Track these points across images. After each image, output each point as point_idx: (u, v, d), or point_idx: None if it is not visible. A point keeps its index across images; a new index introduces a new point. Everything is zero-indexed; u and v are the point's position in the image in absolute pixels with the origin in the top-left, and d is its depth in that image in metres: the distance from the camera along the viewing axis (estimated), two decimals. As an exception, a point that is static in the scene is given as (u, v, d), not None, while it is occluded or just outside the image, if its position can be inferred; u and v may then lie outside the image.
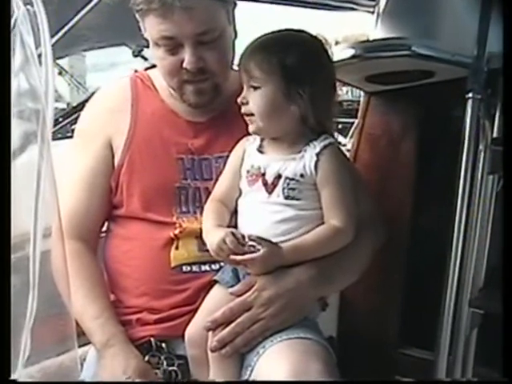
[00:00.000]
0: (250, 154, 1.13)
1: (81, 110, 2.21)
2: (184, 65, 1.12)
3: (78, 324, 1.03)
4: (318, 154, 1.07)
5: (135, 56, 2.89)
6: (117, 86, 1.29)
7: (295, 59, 1.06)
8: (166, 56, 1.14)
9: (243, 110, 1.09)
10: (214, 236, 1.06)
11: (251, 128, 1.10)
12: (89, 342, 1.14)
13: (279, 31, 1.12)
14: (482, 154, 1.17)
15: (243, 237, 1.04)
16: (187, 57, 1.11)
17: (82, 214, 1.20)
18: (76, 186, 1.21)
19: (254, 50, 1.09)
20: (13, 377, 0.65)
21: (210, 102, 1.19)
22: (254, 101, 1.08)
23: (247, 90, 1.09)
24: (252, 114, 1.09)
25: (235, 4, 1.18)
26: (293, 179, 1.07)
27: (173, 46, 1.12)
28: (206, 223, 1.11)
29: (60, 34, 2.28)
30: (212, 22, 1.11)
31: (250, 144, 1.14)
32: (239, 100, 1.09)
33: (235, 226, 1.12)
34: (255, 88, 1.07)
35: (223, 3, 1.13)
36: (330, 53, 1.15)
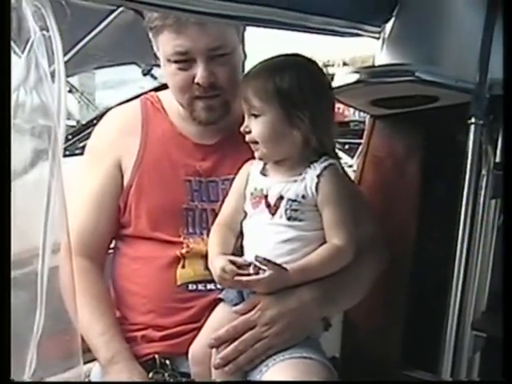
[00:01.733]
0: (253, 177, 1.15)
1: (90, 127, 2.26)
2: (196, 79, 1.15)
3: (83, 340, 1.04)
4: (318, 176, 1.09)
5: (144, 75, 2.93)
6: (127, 108, 1.32)
7: (291, 84, 1.08)
8: (177, 72, 1.17)
9: (247, 138, 1.12)
10: (216, 265, 1.08)
11: (256, 154, 1.13)
12: (94, 359, 1.16)
13: (273, 58, 1.14)
14: (485, 178, 1.19)
15: (247, 263, 1.07)
16: (200, 71, 1.14)
17: (90, 232, 1.22)
18: (85, 205, 1.23)
19: (250, 79, 1.12)
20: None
21: (219, 120, 1.21)
22: (256, 129, 1.10)
23: (248, 118, 1.11)
24: (256, 142, 1.11)
25: (245, 27, 1.21)
26: (295, 200, 1.09)
27: (185, 61, 1.15)
28: (211, 251, 1.13)
29: (71, 53, 2.32)
30: (224, 39, 1.15)
31: (253, 167, 1.16)
32: (242, 129, 1.11)
33: (241, 248, 1.14)
34: (256, 116, 1.10)
35: (233, 25, 1.16)
36: (325, 73, 1.17)
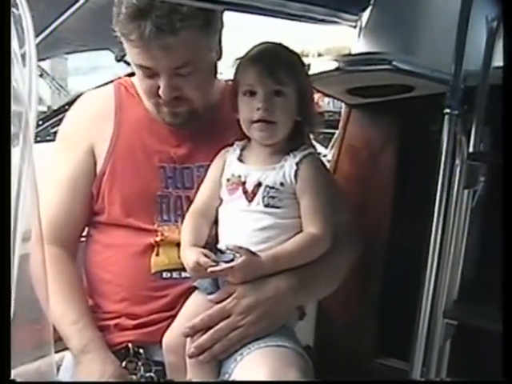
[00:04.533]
0: (230, 164, 1.14)
1: (62, 113, 2.20)
2: (159, 92, 1.13)
3: (54, 329, 1.02)
4: (297, 164, 1.09)
5: (118, 61, 2.88)
6: (100, 93, 1.29)
7: (306, 68, 1.14)
8: (143, 79, 1.15)
9: (263, 116, 1.07)
10: (188, 257, 1.07)
11: (260, 135, 1.09)
12: (66, 348, 1.14)
13: (271, 43, 1.14)
14: (458, 168, 1.20)
15: (220, 250, 1.07)
16: (162, 87, 1.12)
17: (62, 219, 1.20)
18: (57, 192, 1.20)
19: (271, 55, 1.10)
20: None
21: (185, 123, 1.20)
22: (279, 108, 1.07)
23: (269, 99, 1.07)
24: (273, 122, 1.08)
25: (222, 25, 1.18)
26: (273, 188, 1.08)
27: (150, 73, 1.13)
28: (183, 240, 1.11)
29: (42, 35, 2.26)
30: (190, 56, 1.11)
31: (230, 154, 1.15)
32: (264, 107, 1.06)
33: (216, 235, 1.13)
34: (280, 94, 1.08)
35: (206, 32, 1.13)
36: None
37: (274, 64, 1.08)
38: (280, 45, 1.14)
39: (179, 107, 1.17)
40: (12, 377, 0.71)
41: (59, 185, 1.21)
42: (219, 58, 1.20)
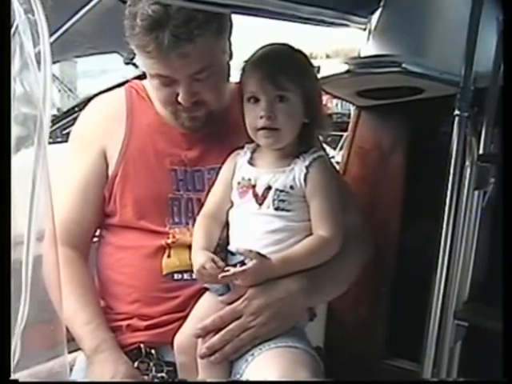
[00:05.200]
0: (240, 167, 1.15)
1: (71, 115, 2.22)
2: (179, 99, 1.14)
3: (67, 330, 1.03)
4: (307, 167, 1.09)
5: (126, 64, 2.89)
6: (112, 96, 1.30)
7: (313, 69, 1.12)
8: (160, 87, 1.16)
9: (266, 124, 1.08)
10: (197, 260, 1.07)
11: (265, 141, 1.10)
12: (78, 349, 1.15)
13: (277, 44, 1.14)
14: (469, 169, 1.20)
15: (230, 252, 1.08)
16: (181, 94, 1.13)
17: (74, 221, 1.21)
18: (70, 194, 1.21)
19: (272, 60, 1.10)
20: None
21: (204, 127, 1.21)
22: (283, 114, 1.07)
23: (271, 104, 1.07)
24: (275, 129, 1.08)
25: (231, 26, 1.19)
26: (283, 191, 1.09)
27: (167, 81, 1.14)
28: (194, 243, 1.12)
29: (52, 39, 2.27)
30: (207, 61, 1.12)
31: (240, 157, 1.16)
32: (266, 115, 1.07)
33: (227, 237, 1.14)
34: (282, 99, 1.07)
35: (221, 36, 1.14)
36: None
37: (276, 69, 1.07)
38: (285, 46, 1.14)
39: (198, 111, 1.18)
40: (25, 377, 0.72)
41: (71, 187, 1.22)
42: (230, 58, 1.21)
